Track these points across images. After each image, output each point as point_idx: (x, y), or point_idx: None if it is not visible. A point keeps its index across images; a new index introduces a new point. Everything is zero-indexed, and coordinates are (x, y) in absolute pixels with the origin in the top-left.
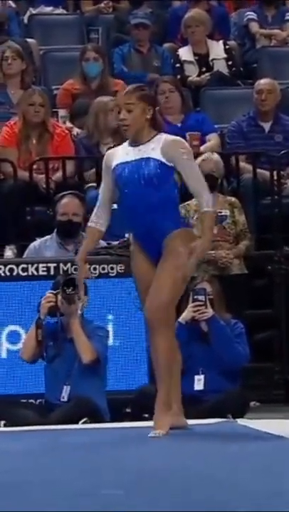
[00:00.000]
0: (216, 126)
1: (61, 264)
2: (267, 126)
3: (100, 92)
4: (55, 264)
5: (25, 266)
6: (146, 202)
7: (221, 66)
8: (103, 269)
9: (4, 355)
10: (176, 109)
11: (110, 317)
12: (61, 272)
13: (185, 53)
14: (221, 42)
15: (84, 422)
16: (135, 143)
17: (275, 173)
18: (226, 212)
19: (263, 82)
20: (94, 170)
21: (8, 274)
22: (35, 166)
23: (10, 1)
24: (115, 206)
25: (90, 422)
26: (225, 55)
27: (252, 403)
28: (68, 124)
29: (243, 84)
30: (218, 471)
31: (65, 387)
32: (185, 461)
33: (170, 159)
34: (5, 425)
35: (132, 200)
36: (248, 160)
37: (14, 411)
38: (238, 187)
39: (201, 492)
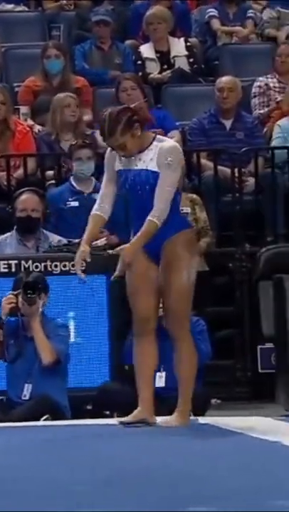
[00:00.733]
0: (177, 123)
1: (22, 261)
2: (228, 123)
3: (62, 89)
4: (16, 261)
5: None
6: (148, 209)
7: (182, 63)
8: (64, 266)
9: None
10: None
11: (72, 314)
12: (22, 268)
13: (146, 50)
14: (182, 39)
15: (45, 419)
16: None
17: (236, 170)
18: (187, 209)
19: (224, 80)
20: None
21: None
22: None
23: None
24: (72, 204)
25: (52, 419)
26: (186, 52)
27: (213, 401)
28: (30, 122)
29: (205, 82)
30: (183, 468)
31: (26, 385)
32: (147, 458)
33: (159, 166)
34: None
35: (135, 206)
36: (209, 157)
37: None
38: (200, 184)
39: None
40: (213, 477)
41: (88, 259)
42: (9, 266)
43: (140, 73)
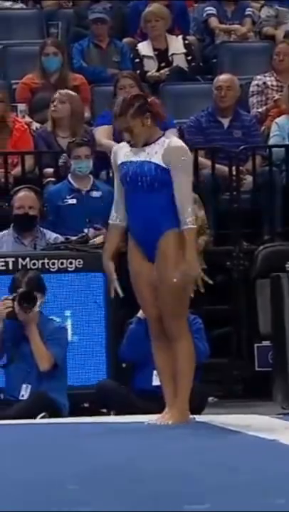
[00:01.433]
0: (174, 121)
1: (20, 259)
2: (226, 121)
3: (60, 87)
4: (13, 259)
5: None
6: (146, 203)
7: (180, 61)
8: (62, 264)
9: None
10: None
11: (69, 312)
12: (20, 266)
13: (144, 48)
14: (180, 37)
15: (42, 417)
16: (144, 144)
17: (234, 168)
18: None
19: (222, 79)
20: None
21: None
22: None
23: None
24: (70, 202)
25: (49, 417)
26: (184, 50)
27: (210, 399)
28: (27, 119)
29: (203, 80)
30: (177, 465)
31: (24, 386)
32: (143, 455)
33: (168, 165)
34: None
35: (133, 199)
36: (206, 155)
37: None
38: (197, 182)
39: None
40: (208, 475)
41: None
42: (6, 263)
43: (138, 71)
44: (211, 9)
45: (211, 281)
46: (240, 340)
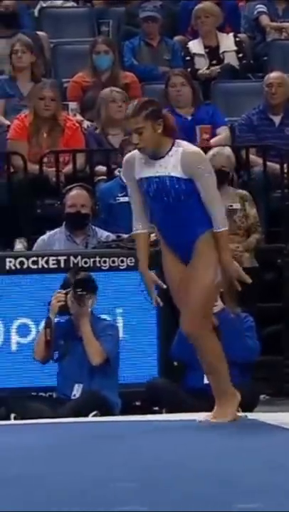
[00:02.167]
0: (226, 119)
1: (71, 257)
2: (277, 119)
3: (110, 85)
4: (65, 257)
5: (35, 259)
6: (175, 216)
7: (231, 59)
8: (113, 262)
9: (14, 348)
10: (187, 102)
11: (120, 310)
12: (71, 264)
13: (195, 46)
14: (231, 34)
15: (94, 415)
16: (154, 157)
17: (285, 166)
18: (237, 205)
19: (273, 76)
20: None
21: (18, 267)
22: (45, 159)
23: None
24: (122, 200)
25: (101, 415)
26: (235, 48)
27: (262, 396)
28: (79, 117)
29: (254, 77)
30: (228, 464)
31: (76, 385)
32: (194, 454)
33: (190, 175)
34: (15, 418)
35: (160, 214)
36: (258, 153)
37: (25, 404)
38: (249, 180)
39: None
40: (259, 473)
41: (162, 285)
42: (58, 262)
43: (189, 69)
44: (261, 7)
45: (249, 281)
46: None
